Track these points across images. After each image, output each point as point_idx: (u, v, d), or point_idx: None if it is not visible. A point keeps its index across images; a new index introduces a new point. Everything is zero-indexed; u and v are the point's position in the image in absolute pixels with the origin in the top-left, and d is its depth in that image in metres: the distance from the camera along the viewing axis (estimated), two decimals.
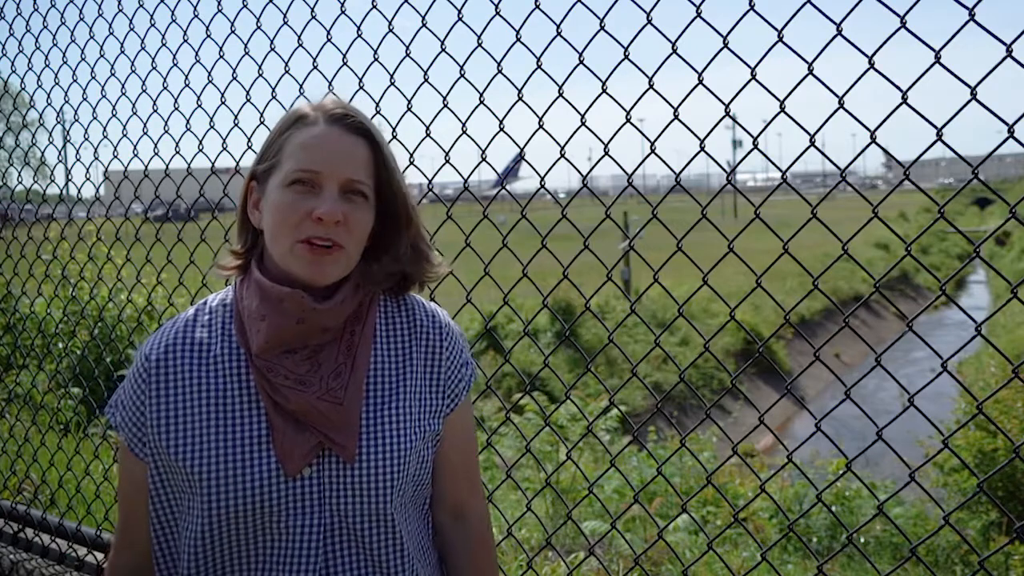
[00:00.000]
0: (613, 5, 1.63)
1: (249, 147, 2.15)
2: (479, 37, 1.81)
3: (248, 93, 2.18)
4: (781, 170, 1.55)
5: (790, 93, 1.45)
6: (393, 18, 1.94)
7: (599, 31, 1.64)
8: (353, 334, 1.21)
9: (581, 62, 1.67)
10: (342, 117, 1.19)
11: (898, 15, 1.30)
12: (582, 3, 1.68)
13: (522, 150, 1.92)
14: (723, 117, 1.52)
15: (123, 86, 2.53)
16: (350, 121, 1.19)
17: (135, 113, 2.51)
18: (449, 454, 1.31)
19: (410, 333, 1.28)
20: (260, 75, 2.16)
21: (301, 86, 2.07)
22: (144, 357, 1.20)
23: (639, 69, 1.62)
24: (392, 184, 1.22)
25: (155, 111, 2.46)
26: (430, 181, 2.08)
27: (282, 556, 1.14)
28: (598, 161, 1.81)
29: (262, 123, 2.13)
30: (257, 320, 1.16)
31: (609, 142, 1.71)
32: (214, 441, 1.14)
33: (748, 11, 1.45)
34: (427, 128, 1.95)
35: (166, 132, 2.45)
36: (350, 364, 1.19)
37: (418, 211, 1.28)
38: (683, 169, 1.68)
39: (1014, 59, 1.19)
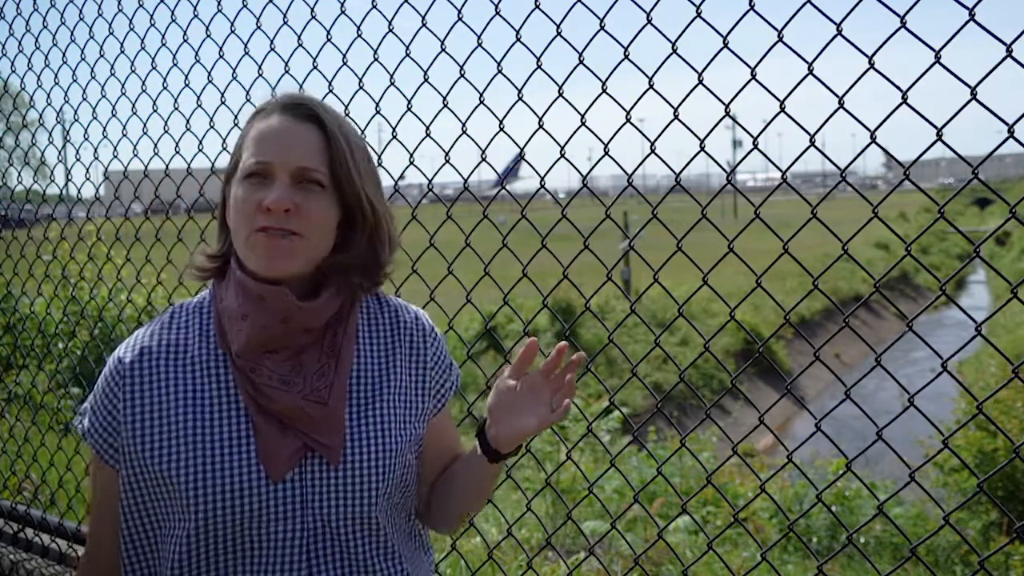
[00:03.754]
0: (613, 5, 1.63)
1: None
2: (479, 37, 1.81)
3: (248, 93, 2.18)
4: (781, 170, 1.55)
5: (790, 93, 1.45)
6: (393, 18, 1.94)
7: (599, 31, 1.64)
8: (335, 335, 1.19)
9: (581, 62, 1.67)
10: (293, 106, 1.17)
11: (898, 15, 1.30)
12: (582, 3, 1.68)
13: (522, 150, 1.92)
14: (723, 117, 1.52)
15: (123, 86, 2.53)
16: (300, 109, 1.17)
17: (135, 113, 2.51)
18: (441, 445, 1.32)
19: (393, 334, 1.26)
20: (260, 75, 2.16)
21: (301, 86, 2.07)
22: (117, 360, 1.17)
23: (639, 69, 1.62)
24: (347, 172, 1.16)
25: (155, 111, 2.46)
26: (430, 181, 2.08)
27: (265, 562, 1.11)
28: (598, 161, 1.81)
29: None
30: (238, 319, 1.13)
31: (609, 142, 1.71)
32: (192, 445, 1.11)
33: (748, 11, 1.45)
34: (427, 128, 1.95)
35: (166, 132, 2.45)
36: (333, 364, 1.17)
37: (382, 208, 1.22)
38: (683, 169, 1.68)
39: (1014, 59, 1.19)
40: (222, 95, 2.23)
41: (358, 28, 2.04)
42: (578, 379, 2.03)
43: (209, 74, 2.28)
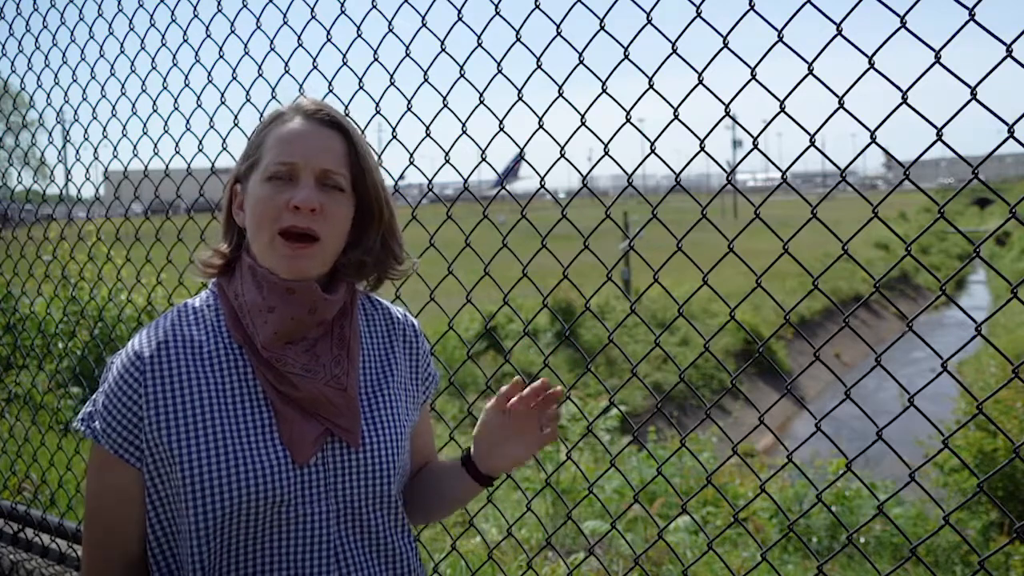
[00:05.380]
0: (613, 5, 1.63)
1: None
2: (479, 37, 1.81)
3: (248, 93, 2.18)
4: (781, 170, 1.55)
5: (790, 93, 1.45)
6: (393, 18, 1.94)
7: (599, 31, 1.64)
8: (343, 327, 1.26)
9: (581, 62, 1.67)
10: (316, 112, 1.24)
11: (898, 15, 1.30)
12: (582, 3, 1.68)
13: (522, 150, 1.92)
14: (723, 117, 1.52)
15: (123, 86, 2.53)
16: (324, 115, 1.24)
17: (135, 113, 2.51)
18: (424, 438, 1.43)
19: (388, 329, 1.36)
20: (260, 75, 2.16)
21: (301, 86, 2.07)
22: (135, 356, 1.17)
23: (639, 69, 1.62)
24: (366, 177, 1.25)
25: (155, 111, 2.46)
26: (430, 181, 2.08)
27: (295, 544, 1.16)
28: (598, 161, 1.81)
29: None
30: (263, 312, 1.18)
31: (609, 142, 1.71)
32: (220, 435, 1.14)
33: (748, 11, 1.45)
34: (427, 128, 1.95)
35: (166, 132, 2.45)
36: (345, 355, 1.24)
37: (394, 208, 1.31)
38: (683, 169, 1.68)
39: (1014, 59, 1.19)
40: (222, 95, 2.24)
41: (358, 28, 2.04)
42: (577, 379, 2.04)
43: (209, 74, 2.28)
